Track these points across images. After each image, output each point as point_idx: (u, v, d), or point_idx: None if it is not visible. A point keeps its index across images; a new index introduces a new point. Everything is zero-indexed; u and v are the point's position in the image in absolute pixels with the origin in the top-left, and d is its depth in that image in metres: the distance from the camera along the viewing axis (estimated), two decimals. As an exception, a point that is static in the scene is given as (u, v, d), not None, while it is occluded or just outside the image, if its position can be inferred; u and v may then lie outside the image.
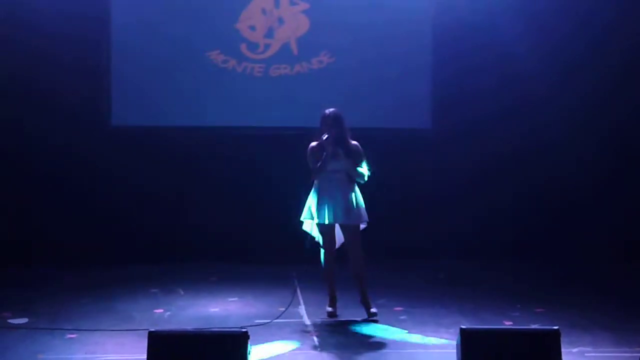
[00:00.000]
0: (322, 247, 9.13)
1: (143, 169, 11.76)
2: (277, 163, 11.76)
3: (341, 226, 9.11)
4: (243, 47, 11.95)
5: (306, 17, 11.95)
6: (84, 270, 11.09)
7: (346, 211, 8.99)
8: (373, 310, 9.09)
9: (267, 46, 11.98)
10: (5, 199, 11.58)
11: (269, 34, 11.97)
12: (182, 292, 10.20)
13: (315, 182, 9.11)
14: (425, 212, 11.90)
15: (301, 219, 9.23)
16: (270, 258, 11.56)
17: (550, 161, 12.09)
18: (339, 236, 9.19)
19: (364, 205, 9.09)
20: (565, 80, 12.02)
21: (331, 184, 9.00)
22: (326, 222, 9.03)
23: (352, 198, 9.02)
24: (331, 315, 9.13)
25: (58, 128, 11.60)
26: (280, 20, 11.96)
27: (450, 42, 11.98)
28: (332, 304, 9.23)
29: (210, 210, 11.79)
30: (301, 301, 9.77)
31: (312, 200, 9.11)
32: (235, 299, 9.95)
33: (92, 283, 10.52)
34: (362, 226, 9.16)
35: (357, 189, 9.10)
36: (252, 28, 11.95)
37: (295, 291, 10.17)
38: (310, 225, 9.25)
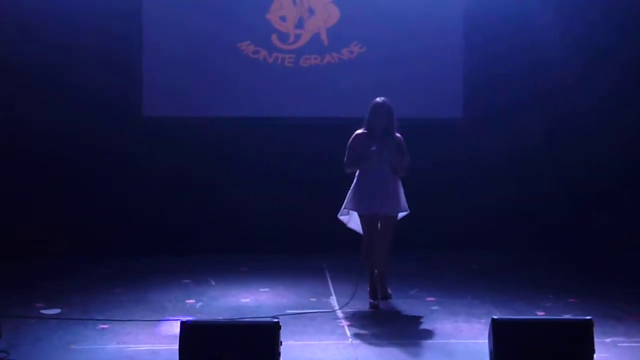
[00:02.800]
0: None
1: (174, 159, 11.79)
2: (308, 153, 11.77)
3: (380, 216, 9.09)
4: (274, 38, 11.94)
5: (336, 7, 11.92)
6: (117, 260, 11.13)
7: (387, 202, 8.99)
8: (389, 291, 9.27)
9: (297, 37, 11.97)
10: (40, 190, 11.64)
11: (300, 24, 11.96)
12: (213, 283, 10.22)
13: (358, 173, 9.08)
14: (457, 202, 11.86)
15: (342, 210, 9.24)
16: (301, 248, 11.56)
17: (581, 149, 12.01)
18: (356, 222, 9.21)
19: (403, 195, 9.11)
20: (595, 68, 11.95)
21: (374, 176, 8.99)
22: (366, 212, 9.01)
23: (392, 188, 9.02)
24: (374, 307, 9.10)
25: (91, 120, 11.63)
26: (311, 11, 11.94)
27: (481, 31, 11.93)
28: (374, 295, 9.21)
29: (242, 200, 11.80)
30: (332, 292, 9.77)
31: (354, 192, 9.06)
32: (266, 289, 9.96)
33: (125, 274, 10.56)
34: (402, 214, 9.15)
35: (398, 179, 9.10)
36: (283, 19, 11.94)
37: (328, 282, 10.17)
38: (348, 218, 9.23)
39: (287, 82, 11.97)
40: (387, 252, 9.20)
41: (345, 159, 9.15)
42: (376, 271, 9.20)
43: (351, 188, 9.18)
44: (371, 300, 9.15)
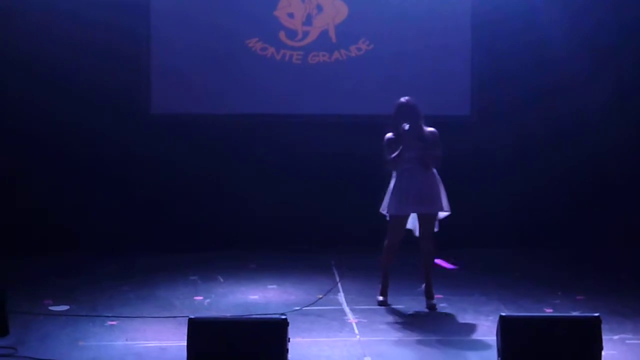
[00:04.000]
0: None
1: (182, 156, 11.79)
2: (316, 150, 11.78)
3: (418, 215, 9.04)
4: (282, 35, 11.94)
5: (344, 4, 11.91)
6: (125, 257, 11.12)
7: (425, 200, 8.94)
8: (433, 302, 9.07)
9: (305, 33, 11.97)
10: (47, 186, 11.65)
11: (308, 21, 11.95)
12: (221, 280, 10.23)
13: (395, 173, 9.03)
14: (464, 200, 11.79)
15: (381, 211, 9.14)
16: (309, 246, 11.56)
17: (589, 145, 11.98)
18: (415, 226, 9.15)
19: (445, 195, 9.05)
20: (602, 65, 11.92)
21: (409, 174, 8.93)
22: (404, 213, 9.00)
23: (430, 187, 8.97)
24: (382, 304, 9.08)
25: (98, 116, 11.63)
26: (319, 8, 11.94)
27: (488, 28, 11.91)
28: (384, 293, 9.18)
29: (249, 197, 11.80)
30: (340, 289, 9.77)
31: (390, 192, 9.04)
32: (275, 286, 9.97)
33: (133, 271, 10.57)
34: (443, 215, 9.10)
35: (438, 177, 9.04)
36: (291, 15, 11.94)
37: (336, 279, 10.18)
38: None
39: (295, 79, 11.96)
40: (432, 254, 9.14)
41: (385, 160, 9.05)
42: (426, 277, 9.13)
43: (388, 189, 9.08)
44: (379, 298, 9.14)
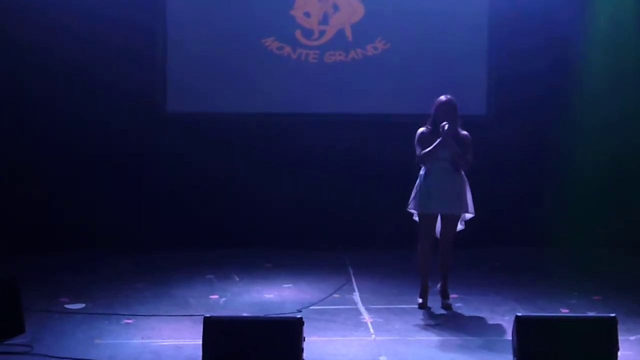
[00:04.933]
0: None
1: (198, 154, 11.80)
2: (332, 149, 11.77)
3: (441, 216, 9.02)
4: (298, 34, 11.94)
5: (361, 3, 11.90)
6: (141, 256, 11.14)
7: (450, 201, 8.92)
8: (449, 302, 9.05)
9: (322, 33, 11.96)
10: (63, 183, 11.68)
11: (324, 20, 11.95)
12: (237, 279, 10.23)
13: (422, 170, 9.02)
14: (480, 199, 11.75)
15: (408, 209, 9.11)
16: (325, 245, 11.55)
17: (606, 144, 11.92)
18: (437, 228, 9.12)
19: (470, 197, 9.04)
20: (619, 63, 11.88)
21: (438, 173, 8.91)
22: (429, 211, 8.98)
23: (457, 188, 8.95)
24: (422, 306, 9.00)
25: (114, 115, 11.65)
26: (335, 7, 11.93)
27: (506, 27, 11.87)
28: (424, 295, 9.09)
29: (266, 196, 11.80)
30: (355, 288, 9.76)
31: (418, 189, 9.01)
32: (290, 285, 9.97)
33: (149, 269, 10.58)
34: (469, 216, 9.09)
35: (465, 179, 9.03)
36: (307, 14, 11.94)
37: (350, 278, 10.18)
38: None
39: (311, 78, 11.95)
40: (449, 255, 9.10)
41: (417, 155, 8.99)
42: (443, 277, 9.11)
43: (415, 187, 9.07)
44: (420, 300, 9.07)
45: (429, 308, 9.01)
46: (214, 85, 11.85)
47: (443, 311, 8.93)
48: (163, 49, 11.82)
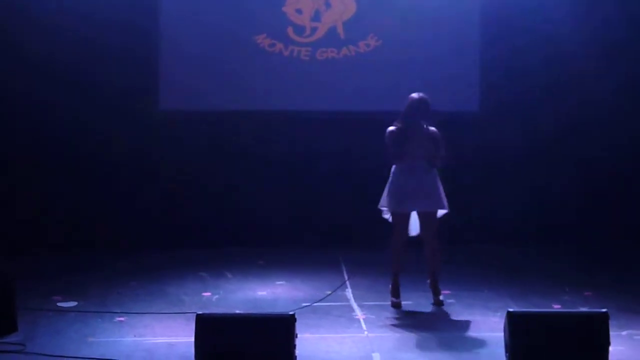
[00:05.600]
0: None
1: (190, 152, 11.83)
2: (324, 146, 11.78)
3: (419, 213, 9.01)
4: (290, 31, 11.94)
5: (353, 0, 11.91)
6: (134, 254, 11.15)
7: (425, 198, 8.89)
8: (440, 298, 9.05)
9: (313, 29, 11.97)
10: (57, 184, 11.67)
11: (316, 17, 11.95)
12: (230, 276, 10.24)
13: (394, 169, 9.02)
14: (473, 196, 11.83)
15: (379, 207, 9.11)
16: (317, 242, 11.57)
17: (598, 141, 11.97)
18: (416, 226, 9.10)
19: (443, 193, 9.01)
20: (611, 60, 11.90)
21: (412, 171, 8.90)
22: (404, 210, 8.97)
23: (431, 185, 8.93)
24: (396, 305, 8.97)
25: (107, 113, 11.66)
26: (327, 4, 11.93)
27: (498, 24, 11.90)
28: (396, 294, 9.07)
29: (258, 194, 11.81)
30: (348, 285, 9.77)
31: (391, 188, 9.00)
32: (283, 282, 9.98)
33: (141, 267, 10.59)
34: (441, 213, 9.07)
35: (437, 175, 9.01)
36: (299, 11, 11.94)
37: (344, 276, 10.19)
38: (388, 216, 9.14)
39: (303, 75, 11.97)
40: (437, 252, 9.08)
41: (389, 153, 8.99)
42: (432, 274, 9.10)
43: (386, 185, 9.07)
44: (393, 299, 9.06)
45: (400, 306, 8.98)
46: (206, 82, 11.86)
47: (435, 307, 8.93)
48: (156, 47, 11.83)
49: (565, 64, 11.95)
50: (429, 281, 9.11)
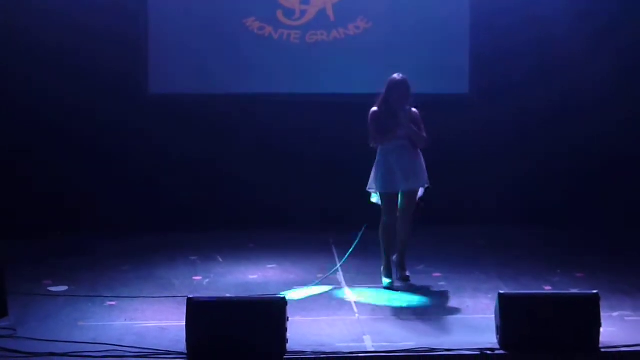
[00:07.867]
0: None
1: (181, 136, 11.79)
2: (314, 129, 11.76)
3: (403, 192, 9.04)
4: (279, 14, 11.90)
5: (342, -18, 11.90)
6: (124, 238, 11.13)
7: (412, 177, 8.96)
8: (407, 274, 9.10)
9: (303, 12, 11.93)
10: (46, 167, 11.64)
11: (305, 0, 11.92)
12: (220, 260, 10.23)
13: (380, 150, 9.05)
14: (463, 178, 11.83)
15: (368, 189, 9.15)
16: (308, 225, 11.55)
17: (589, 122, 11.93)
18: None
19: (425, 170, 9.08)
20: (601, 41, 11.88)
21: (398, 151, 8.94)
22: (394, 190, 9.00)
23: (417, 164, 9.01)
24: (390, 286, 9.02)
25: (96, 96, 11.63)
26: (316, -14, 11.92)
27: (487, 5, 11.88)
28: (389, 274, 9.09)
29: (248, 176, 11.78)
30: (339, 267, 9.77)
31: (378, 169, 9.03)
32: (274, 265, 9.97)
33: (132, 251, 10.57)
34: (421, 191, 9.12)
35: (420, 154, 9.06)
36: (288, -6, 11.92)
37: (335, 258, 10.19)
38: (377, 196, 9.17)
39: (293, 58, 11.94)
40: (409, 228, 9.11)
41: (372, 136, 9.03)
42: (396, 253, 9.16)
43: (373, 167, 9.10)
44: (385, 279, 9.07)
45: (394, 287, 9.00)
46: (196, 66, 11.84)
47: (426, 290, 8.93)
48: (145, 30, 11.79)
49: (556, 46, 11.93)
50: (395, 257, 9.11)
